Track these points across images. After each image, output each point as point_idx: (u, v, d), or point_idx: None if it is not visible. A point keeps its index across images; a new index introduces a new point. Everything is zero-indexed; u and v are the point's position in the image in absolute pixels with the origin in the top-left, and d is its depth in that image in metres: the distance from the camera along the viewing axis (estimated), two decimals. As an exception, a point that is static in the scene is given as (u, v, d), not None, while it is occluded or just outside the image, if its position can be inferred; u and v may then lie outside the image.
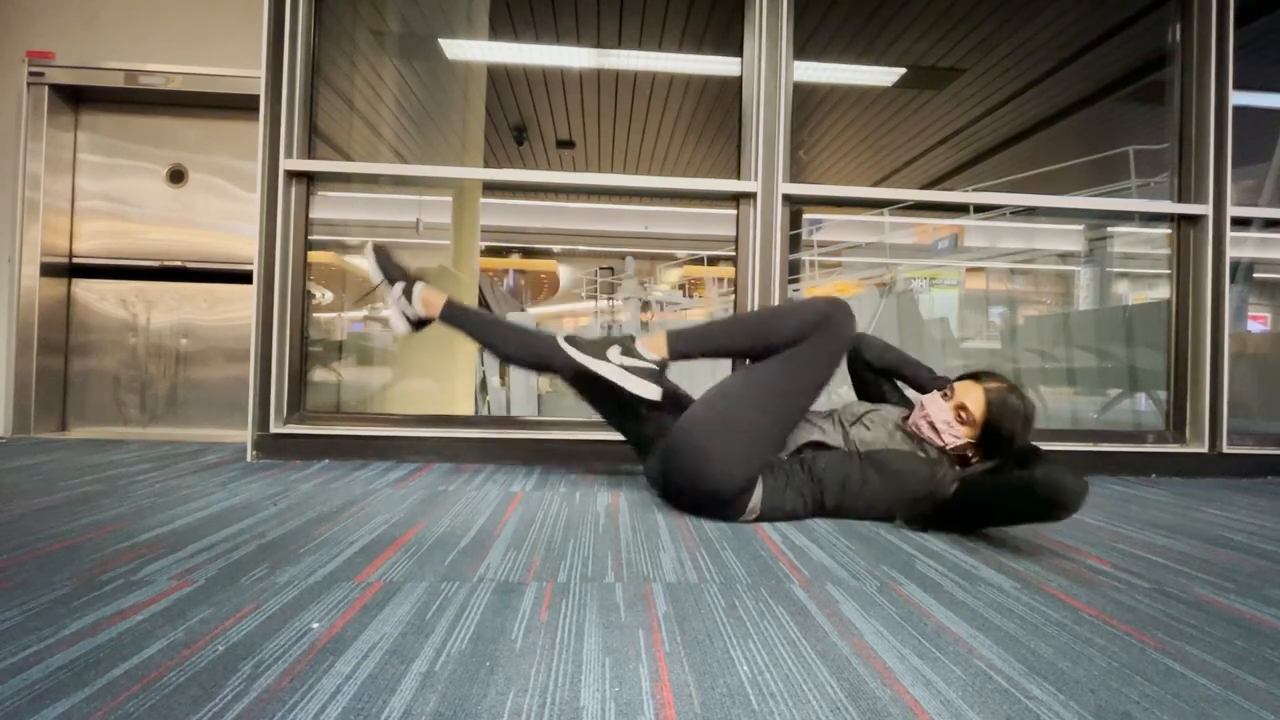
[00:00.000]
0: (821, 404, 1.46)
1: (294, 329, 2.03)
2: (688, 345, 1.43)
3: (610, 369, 1.40)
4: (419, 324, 1.63)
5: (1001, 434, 1.29)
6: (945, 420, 1.33)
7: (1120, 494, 1.80)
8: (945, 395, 1.37)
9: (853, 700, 0.64)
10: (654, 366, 1.41)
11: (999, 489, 1.21)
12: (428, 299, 1.58)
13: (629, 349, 1.41)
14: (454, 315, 1.58)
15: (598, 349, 1.43)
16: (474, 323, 1.60)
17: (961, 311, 3.36)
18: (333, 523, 1.26)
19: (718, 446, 1.30)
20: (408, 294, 1.58)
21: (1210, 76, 2.14)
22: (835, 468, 1.35)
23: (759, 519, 1.36)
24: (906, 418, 1.42)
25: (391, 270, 1.61)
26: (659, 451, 1.45)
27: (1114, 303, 2.81)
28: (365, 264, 1.63)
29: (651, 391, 1.39)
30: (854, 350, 1.58)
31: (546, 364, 1.54)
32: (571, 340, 1.45)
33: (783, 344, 1.36)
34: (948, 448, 1.34)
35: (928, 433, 1.35)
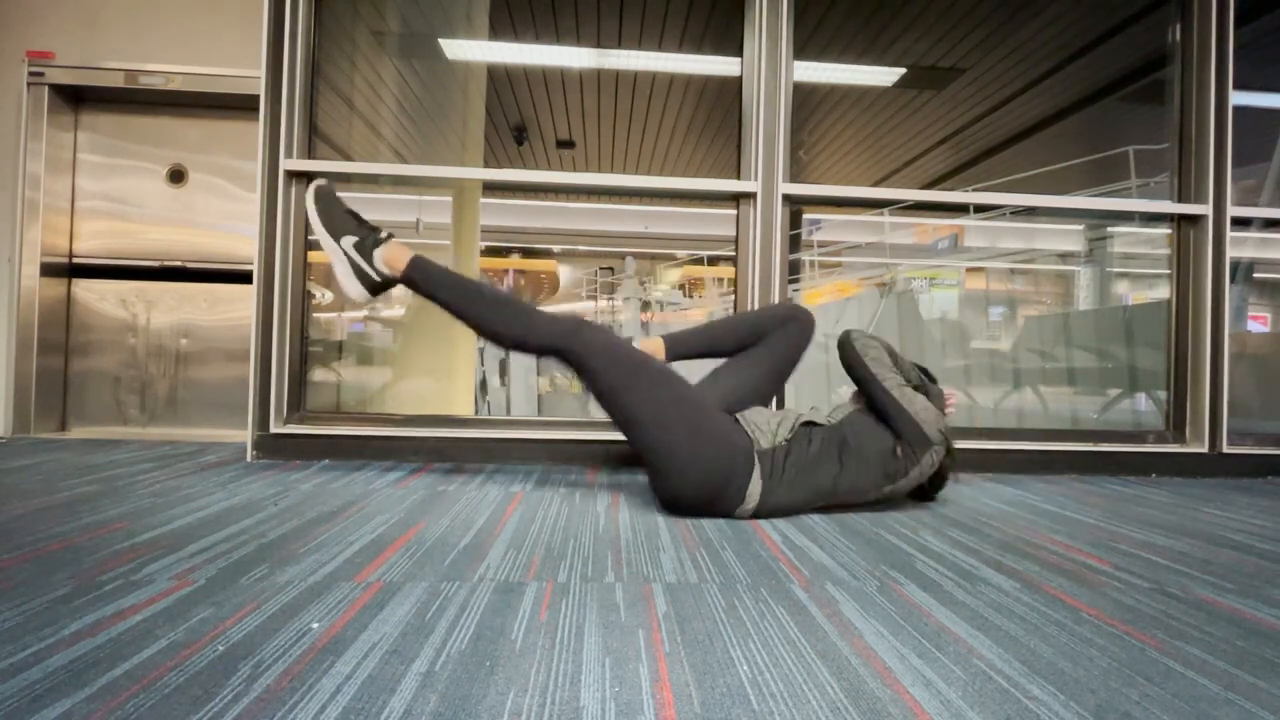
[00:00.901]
0: (822, 404, 1.47)
1: (294, 329, 2.03)
2: (422, 279, 1.35)
3: (330, 246, 1.27)
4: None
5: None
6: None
7: (1120, 494, 1.80)
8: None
9: (853, 700, 0.64)
10: (375, 278, 1.30)
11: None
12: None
13: (365, 249, 1.27)
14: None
15: (339, 224, 1.27)
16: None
17: (961, 311, 3.36)
18: (333, 523, 1.26)
19: (672, 453, 1.33)
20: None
21: (1210, 76, 2.14)
22: (824, 443, 1.39)
23: (755, 514, 1.36)
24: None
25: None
26: (655, 484, 1.45)
27: (1114, 303, 2.81)
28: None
29: (355, 292, 1.28)
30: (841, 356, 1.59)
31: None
32: (320, 195, 1.29)
33: (515, 340, 1.41)
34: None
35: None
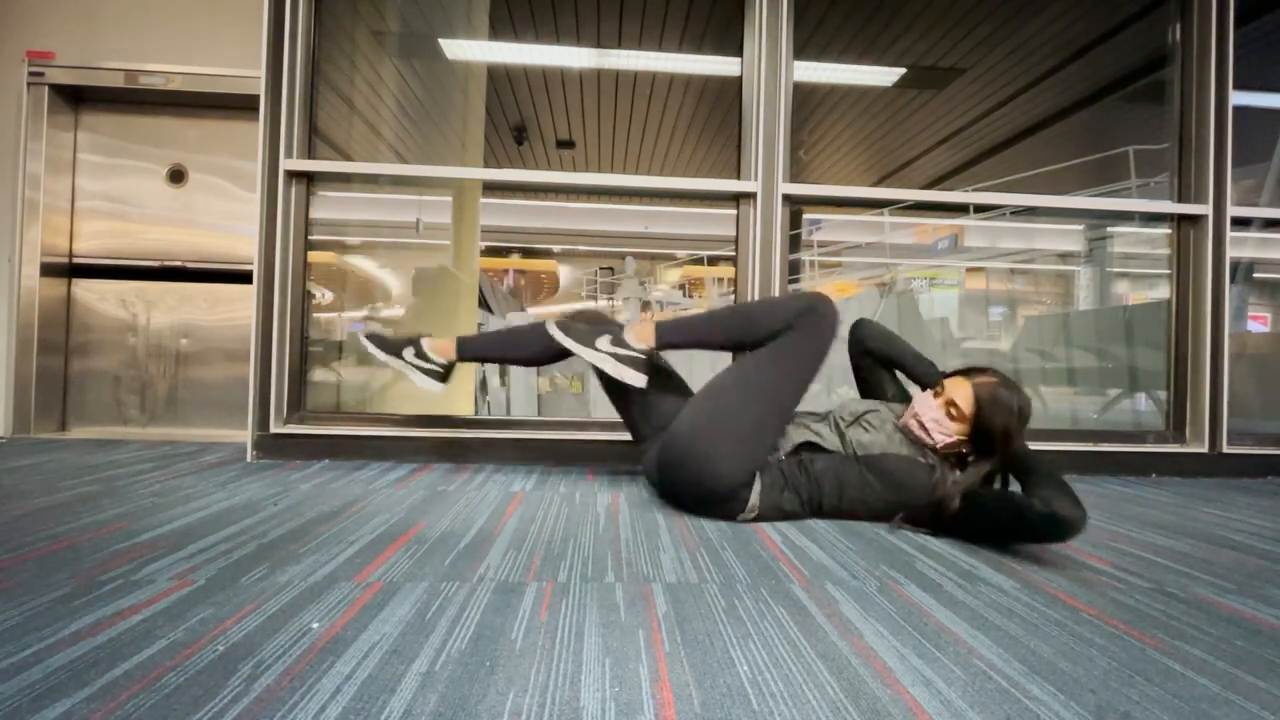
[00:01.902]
0: (821, 404, 1.46)
1: (294, 329, 2.03)
2: (675, 335, 1.45)
3: (598, 357, 1.43)
4: (446, 371, 1.64)
5: (994, 431, 1.24)
6: (934, 418, 1.31)
7: (1120, 494, 1.80)
8: (936, 393, 1.34)
9: (853, 700, 0.64)
10: (640, 355, 1.43)
11: (1004, 512, 1.16)
12: (438, 347, 1.62)
13: (618, 338, 1.44)
14: (470, 348, 1.63)
15: (588, 337, 1.45)
16: (490, 346, 1.66)
17: (962, 311, 3.36)
18: (333, 523, 1.26)
19: (710, 447, 1.31)
20: (420, 354, 1.61)
21: (1210, 76, 2.14)
22: (832, 471, 1.35)
23: (758, 518, 1.36)
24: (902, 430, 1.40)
25: (394, 345, 1.64)
26: (655, 451, 1.46)
27: (1114, 303, 2.81)
28: (371, 352, 1.65)
29: (638, 380, 1.42)
30: (855, 337, 1.59)
31: (562, 351, 1.54)
32: (563, 326, 1.47)
33: (767, 335, 1.37)
34: (938, 446, 1.31)
35: (918, 431, 1.33)
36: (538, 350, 1.57)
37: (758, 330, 1.38)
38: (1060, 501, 1.09)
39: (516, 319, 2.90)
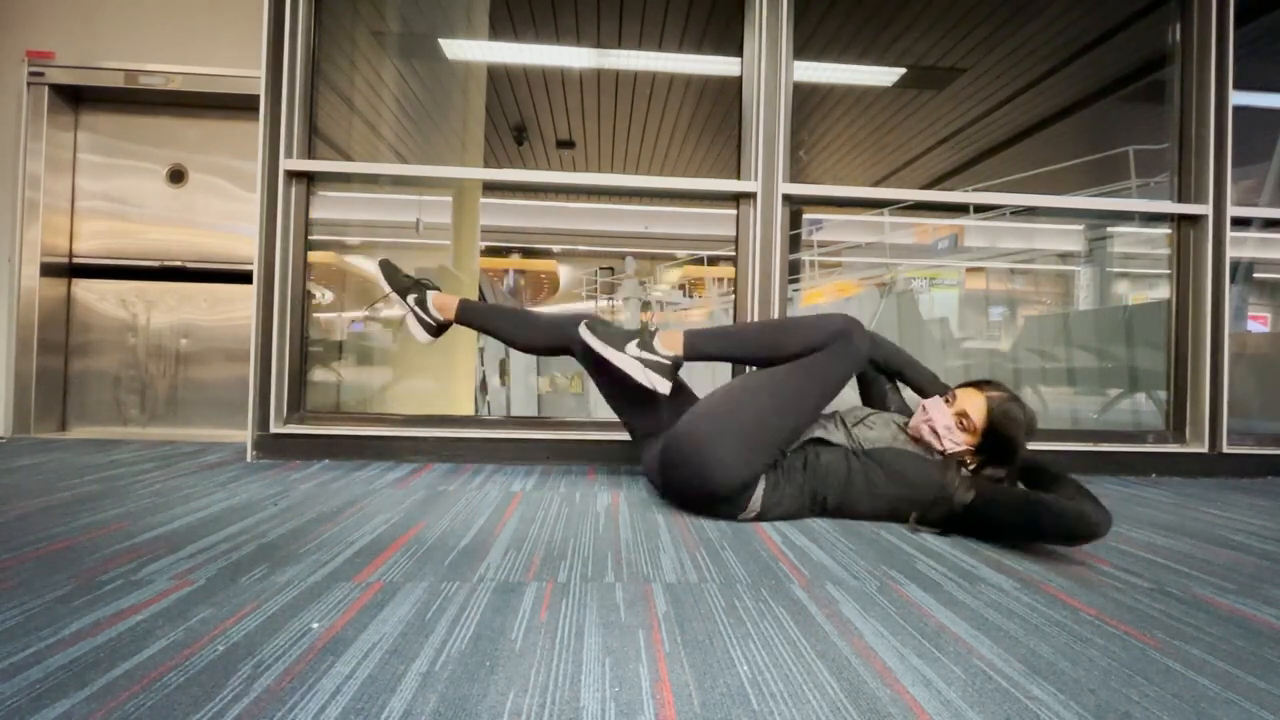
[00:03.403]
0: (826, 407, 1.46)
1: (294, 329, 2.03)
2: (705, 345, 1.45)
3: (626, 360, 1.43)
4: (439, 328, 1.66)
5: (1001, 442, 1.30)
6: (946, 425, 1.33)
7: (1120, 494, 1.80)
8: (948, 401, 1.36)
9: (853, 700, 0.64)
10: (668, 363, 1.43)
11: (1031, 507, 1.16)
12: (441, 303, 1.63)
13: (646, 344, 1.44)
14: (470, 314, 1.63)
15: (618, 340, 1.45)
16: (491, 317, 1.65)
17: (962, 311, 3.36)
18: (333, 523, 1.26)
19: (718, 448, 1.31)
20: (421, 303, 1.63)
21: (1210, 76, 2.14)
22: (838, 465, 1.36)
23: (758, 518, 1.36)
24: (908, 422, 1.42)
25: (401, 282, 1.65)
26: (659, 449, 1.45)
27: (1114, 303, 2.81)
28: (381, 281, 1.67)
29: (662, 386, 1.42)
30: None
31: (566, 346, 1.57)
32: (592, 327, 1.47)
33: (796, 355, 1.37)
34: (947, 452, 1.34)
35: (928, 436, 1.35)
36: (545, 341, 1.58)
37: (787, 350, 1.38)
38: (1086, 500, 1.12)
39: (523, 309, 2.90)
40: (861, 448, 1.37)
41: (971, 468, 1.34)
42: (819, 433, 1.40)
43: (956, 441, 1.33)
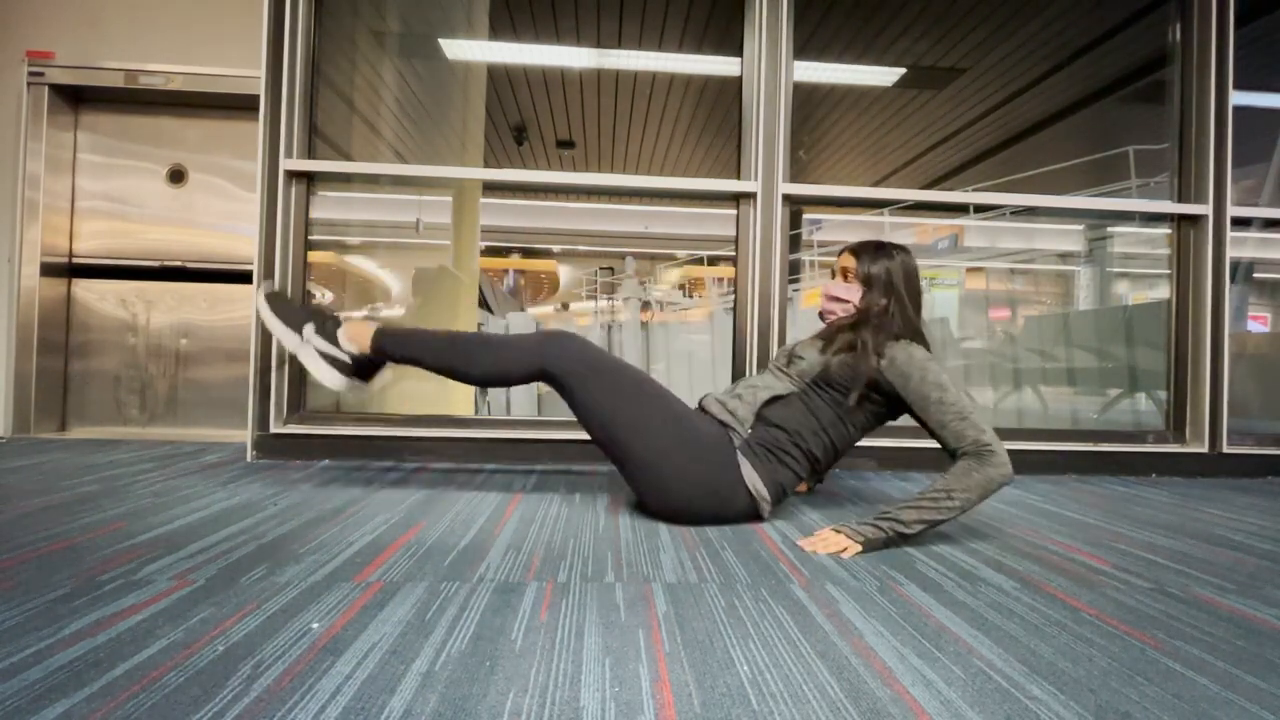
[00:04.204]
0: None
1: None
2: (392, 345, 1.32)
3: (300, 346, 1.28)
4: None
5: (878, 275, 1.37)
6: (836, 290, 1.41)
7: (1120, 494, 1.80)
8: (833, 273, 1.46)
9: (853, 700, 0.64)
10: (347, 360, 1.29)
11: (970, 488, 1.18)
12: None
13: (328, 332, 1.29)
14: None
15: (295, 317, 1.29)
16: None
17: (962, 311, 3.36)
18: (333, 523, 1.26)
19: (675, 489, 1.28)
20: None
21: (1210, 76, 2.14)
22: (794, 408, 1.34)
23: (776, 503, 1.34)
24: (819, 335, 1.44)
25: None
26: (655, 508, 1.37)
27: (1114, 303, 2.81)
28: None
29: (334, 381, 1.28)
30: None
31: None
32: (270, 297, 1.30)
33: (486, 373, 1.30)
34: (853, 311, 1.39)
35: (839, 310, 1.41)
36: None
37: (474, 366, 1.30)
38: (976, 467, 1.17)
39: (517, 319, 2.90)
40: (806, 382, 1.37)
41: (890, 312, 1.36)
42: (765, 394, 1.37)
43: (851, 295, 1.39)
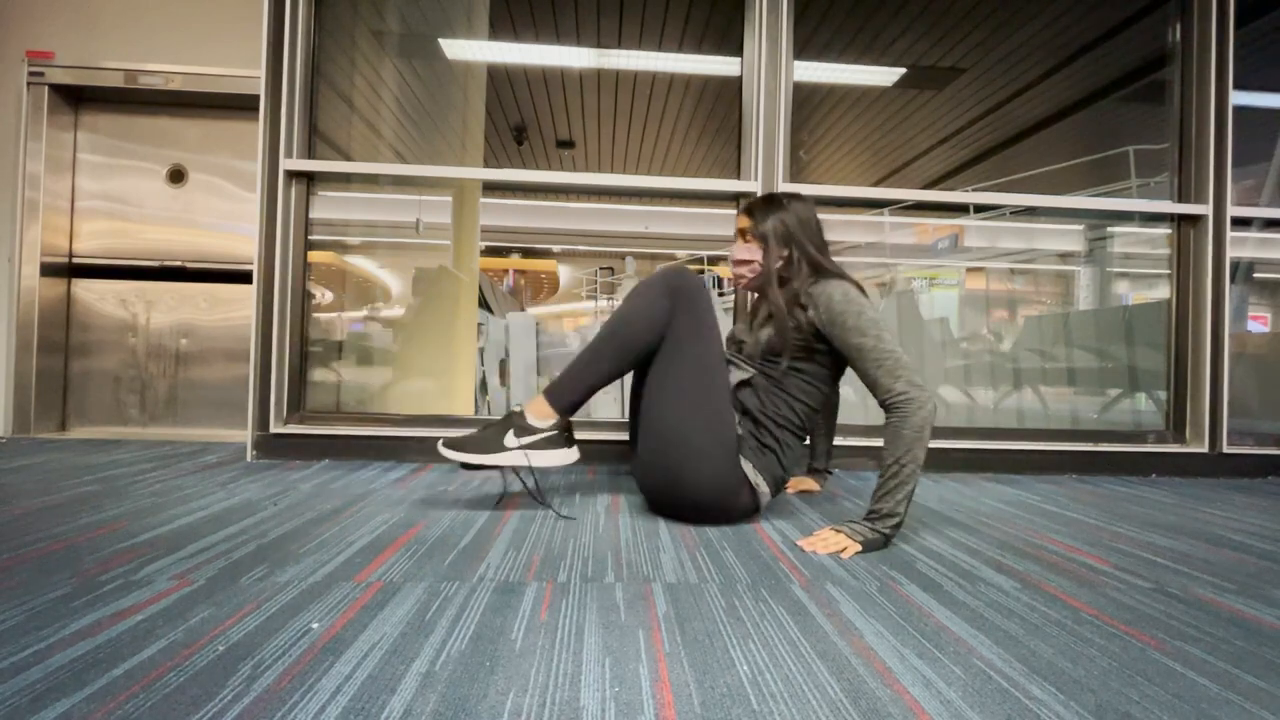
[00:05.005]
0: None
1: (294, 329, 2.03)
2: (570, 394, 1.31)
3: (517, 458, 1.29)
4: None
5: (772, 229, 1.36)
6: (739, 253, 1.41)
7: (1120, 494, 1.80)
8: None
9: (853, 700, 0.64)
10: (554, 432, 1.31)
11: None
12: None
13: (523, 427, 1.30)
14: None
15: (490, 443, 1.29)
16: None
17: (962, 311, 3.36)
18: (333, 523, 1.26)
19: (689, 470, 1.26)
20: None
21: (1210, 76, 2.15)
22: (762, 392, 1.33)
23: (776, 491, 1.34)
24: (749, 314, 1.45)
25: (487, 440, 1.31)
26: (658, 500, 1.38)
27: (1114, 303, 2.81)
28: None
29: (568, 457, 1.32)
30: None
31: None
32: (452, 444, 1.30)
33: (646, 332, 1.28)
34: (756, 274, 1.39)
35: (746, 272, 1.41)
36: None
37: (634, 334, 1.28)
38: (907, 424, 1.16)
39: (516, 319, 2.89)
40: (757, 363, 1.36)
41: (800, 266, 1.34)
42: (733, 381, 1.35)
43: (753, 255, 1.39)
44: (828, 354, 1.32)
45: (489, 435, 1.30)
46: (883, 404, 1.20)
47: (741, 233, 1.43)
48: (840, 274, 1.33)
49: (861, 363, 1.22)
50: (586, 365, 1.31)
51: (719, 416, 1.27)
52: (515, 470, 1.38)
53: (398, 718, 0.59)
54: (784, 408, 1.32)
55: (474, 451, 1.29)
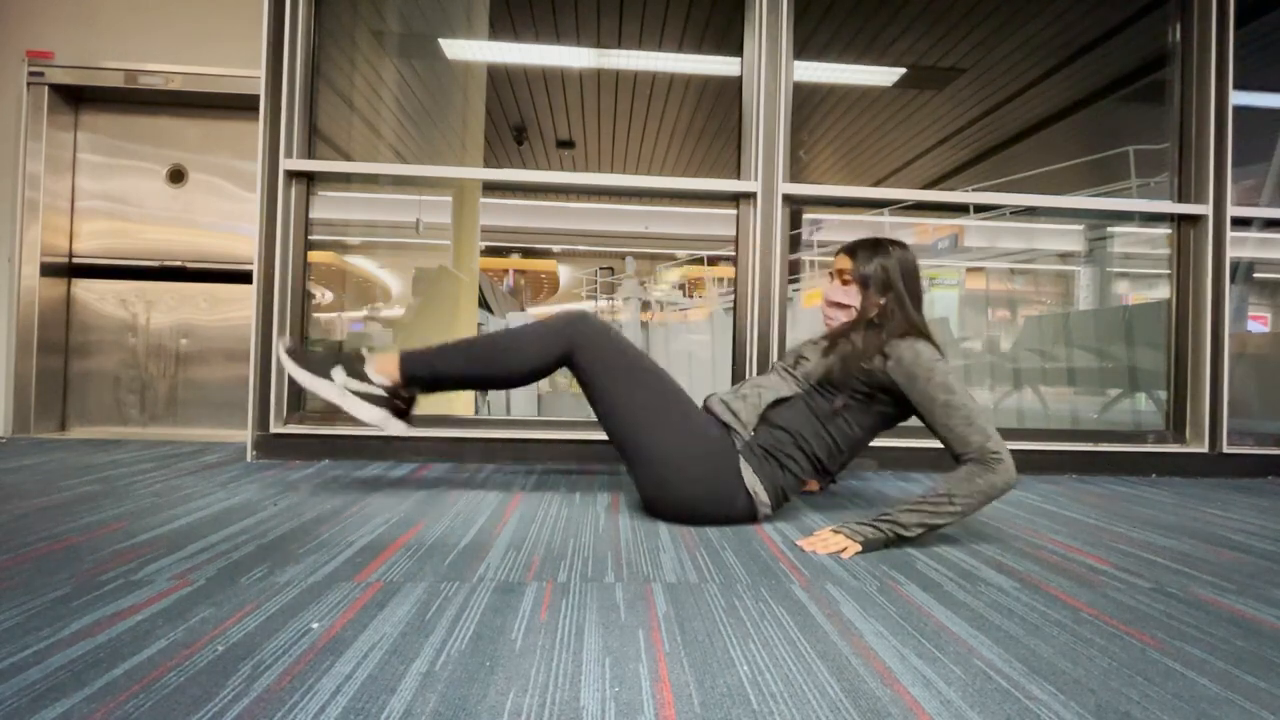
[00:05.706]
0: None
1: (294, 329, 2.03)
2: (422, 368, 1.29)
3: (332, 391, 1.26)
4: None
5: (874, 273, 1.33)
6: (835, 295, 1.36)
7: (1120, 494, 1.80)
8: (830, 276, 1.41)
9: (853, 700, 0.64)
10: (383, 392, 1.28)
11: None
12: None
13: (356, 370, 1.27)
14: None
15: (321, 365, 1.27)
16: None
17: (962, 311, 3.36)
18: (333, 523, 1.26)
19: (681, 483, 1.27)
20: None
21: (1210, 76, 2.15)
22: (798, 411, 1.33)
23: (777, 506, 1.33)
24: (824, 337, 1.42)
25: (319, 361, 1.29)
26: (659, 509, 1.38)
27: (1114, 303, 2.81)
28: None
29: (380, 419, 1.27)
30: None
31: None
32: (291, 351, 1.29)
33: (521, 365, 1.29)
34: (853, 318, 1.36)
35: (840, 316, 1.38)
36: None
37: (508, 360, 1.28)
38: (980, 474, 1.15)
39: (516, 320, 2.89)
40: (810, 384, 1.35)
41: (891, 313, 1.32)
42: (770, 395, 1.36)
43: (850, 299, 1.35)
44: (891, 405, 1.31)
45: (323, 359, 1.29)
46: (964, 456, 1.18)
47: (840, 273, 1.38)
48: (928, 335, 1.31)
49: (946, 418, 1.20)
50: (454, 352, 1.30)
51: (689, 421, 1.30)
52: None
53: (398, 718, 0.59)
54: (812, 436, 1.31)
55: (302, 366, 1.28)
